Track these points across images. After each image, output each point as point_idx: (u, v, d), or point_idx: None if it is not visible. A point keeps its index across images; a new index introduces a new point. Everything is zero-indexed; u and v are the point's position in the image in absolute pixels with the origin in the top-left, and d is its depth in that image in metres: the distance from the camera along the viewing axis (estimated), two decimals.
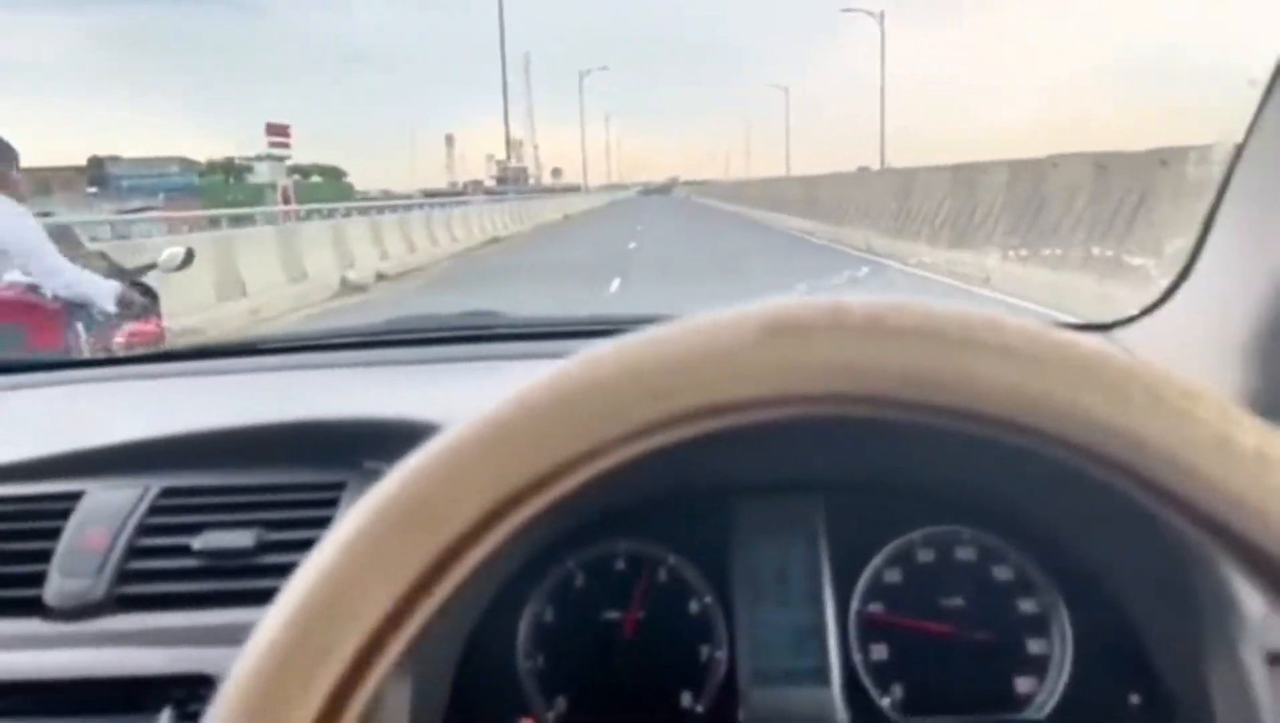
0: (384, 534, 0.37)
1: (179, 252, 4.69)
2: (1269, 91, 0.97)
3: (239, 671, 0.36)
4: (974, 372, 0.35)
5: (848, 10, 57.84)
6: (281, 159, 39.38)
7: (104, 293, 3.61)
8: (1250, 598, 0.75)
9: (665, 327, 0.38)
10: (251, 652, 0.36)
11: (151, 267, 4.54)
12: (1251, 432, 0.35)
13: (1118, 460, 0.36)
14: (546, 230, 30.86)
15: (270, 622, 0.37)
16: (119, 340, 3.64)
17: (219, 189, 44.55)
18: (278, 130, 39.39)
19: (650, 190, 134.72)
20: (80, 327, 3.57)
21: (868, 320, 0.36)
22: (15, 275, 3.59)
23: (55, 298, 3.55)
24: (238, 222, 18.36)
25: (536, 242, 25.07)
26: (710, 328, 0.37)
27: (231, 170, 56.18)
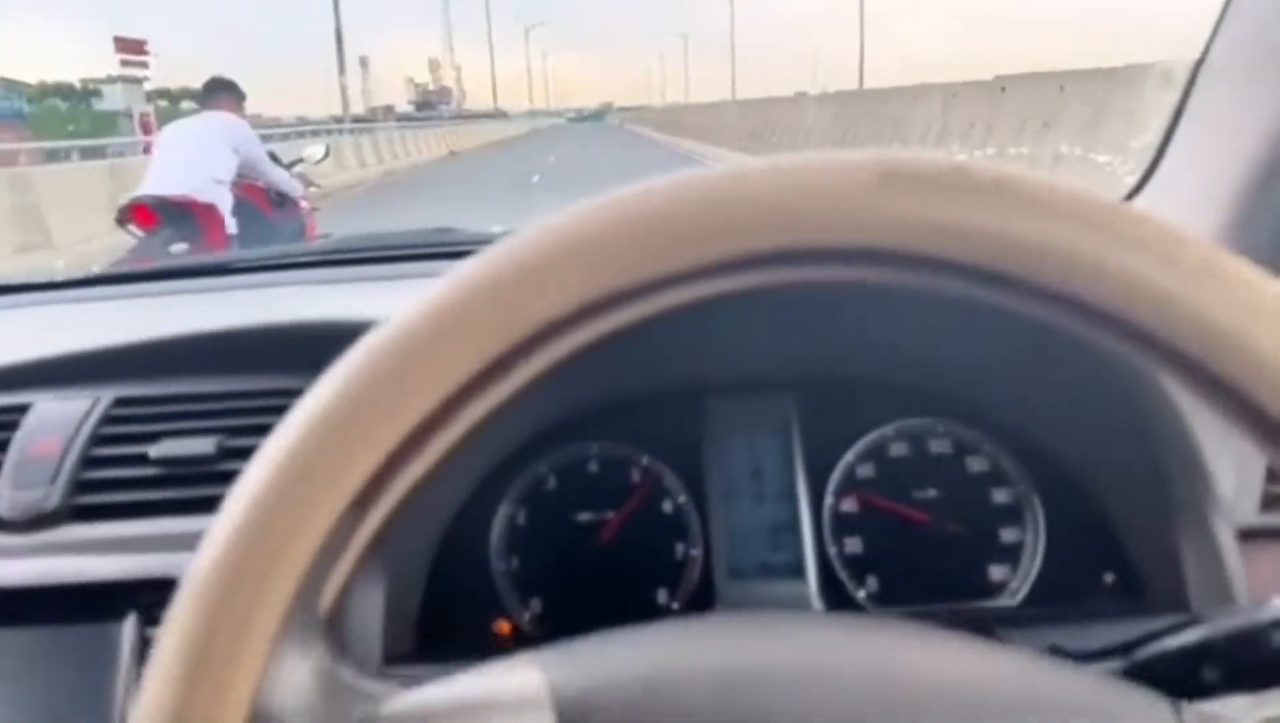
0: (359, 398, 0.35)
1: (319, 150, 5.74)
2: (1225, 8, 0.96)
3: (200, 563, 0.34)
4: (1086, 250, 0.33)
5: None
6: (138, 81, 32.29)
7: (296, 186, 5.04)
8: (1222, 474, 0.75)
9: (764, 162, 0.35)
10: (211, 545, 0.34)
11: (298, 161, 5.44)
12: (1233, 266, 0.34)
13: (1171, 337, 0.34)
14: (421, 169, 24.83)
15: (229, 511, 0.35)
16: (305, 204, 5.13)
17: (55, 118, 37.63)
18: (131, 46, 30.91)
19: (582, 118, 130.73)
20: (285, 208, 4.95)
21: (994, 185, 0.34)
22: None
23: (269, 187, 4.89)
24: (87, 156, 15.66)
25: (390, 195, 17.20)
26: (820, 167, 0.34)
27: (74, 95, 47.83)
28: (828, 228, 0.33)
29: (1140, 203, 1.14)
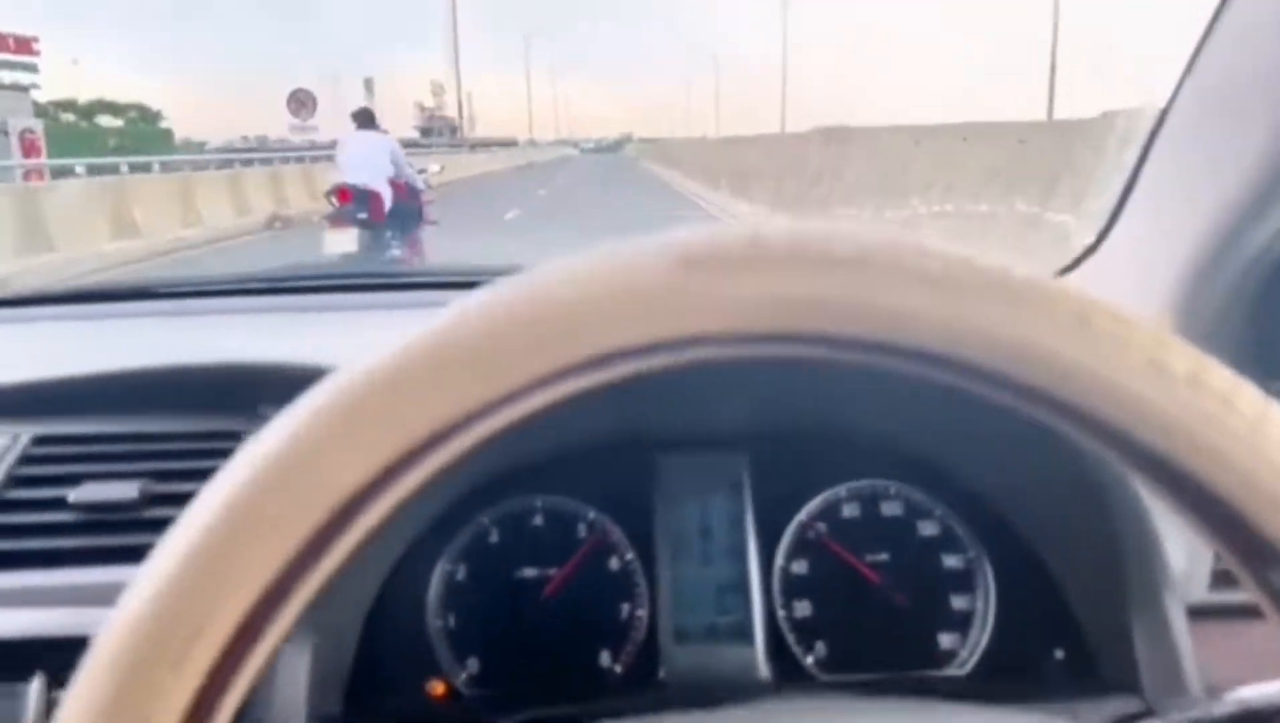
0: (266, 493, 0.33)
1: (436, 166, 8.95)
2: (1195, 54, 0.97)
3: (106, 639, 0.32)
4: (903, 301, 0.32)
5: None
6: (24, 88, 24.41)
7: (421, 184, 7.59)
8: (1173, 551, 0.74)
9: (570, 261, 0.33)
10: (120, 619, 0.32)
11: (424, 171, 7.96)
12: (1184, 356, 0.32)
13: (1049, 390, 0.33)
14: None
15: (141, 585, 0.33)
16: (426, 196, 7.63)
17: None
18: (13, 44, 22.54)
19: (599, 149, 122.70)
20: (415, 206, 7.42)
21: (789, 249, 0.32)
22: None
23: (408, 184, 7.35)
24: None
25: None
26: (618, 262, 0.33)
27: None
28: (636, 325, 0.32)
29: (1093, 263, 1.15)
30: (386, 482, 0.33)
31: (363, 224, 6.97)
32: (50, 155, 16.96)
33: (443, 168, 9.64)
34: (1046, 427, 0.35)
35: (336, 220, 7.06)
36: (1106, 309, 0.33)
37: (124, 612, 0.32)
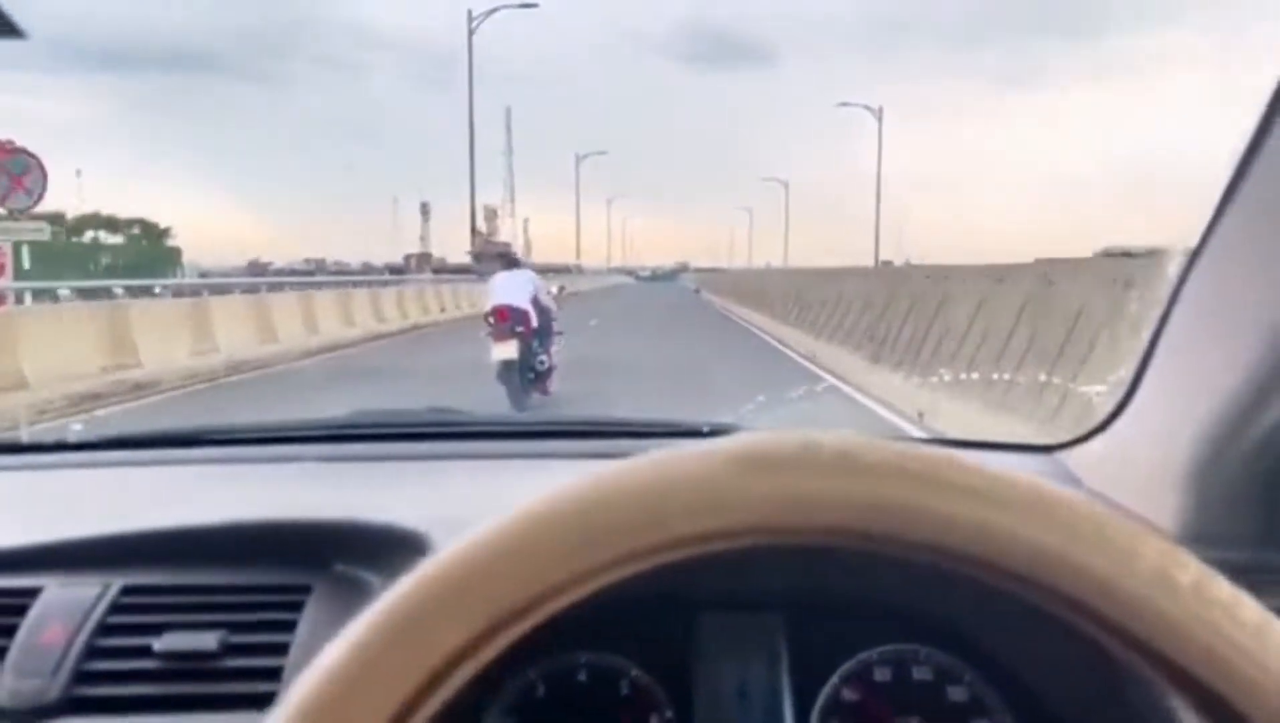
0: (380, 650, 0.39)
1: (557, 285, 11.89)
2: (1207, 232, 1.03)
3: None
4: (938, 508, 0.38)
5: (844, 105, 57.69)
6: None
7: (553, 304, 9.94)
8: (1187, 718, 0.77)
9: (642, 459, 0.40)
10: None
11: (558, 290, 11.24)
12: (1190, 569, 0.38)
13: (1068, 594, 0.39)
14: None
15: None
16: (554, 310, 9.94)
17: None
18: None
19: (655, 277, 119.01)
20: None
21: (837, 457, 0.39)
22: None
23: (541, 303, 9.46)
24: None
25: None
26: (685, 461, 0.39)
27: None
28: (697, 517, 0.39)
29: (1112, 432, 1.19)
30: (479, 645, 0.39)
31: (519, 336, 8.90)
32: (31, 274, 15.36)
33: (562, 289, 12.70)
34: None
35: (499, 334, 8.91)
36: (1121, 523, 0.39)
37: None
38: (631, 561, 0.40)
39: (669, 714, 0.92)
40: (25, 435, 1.51)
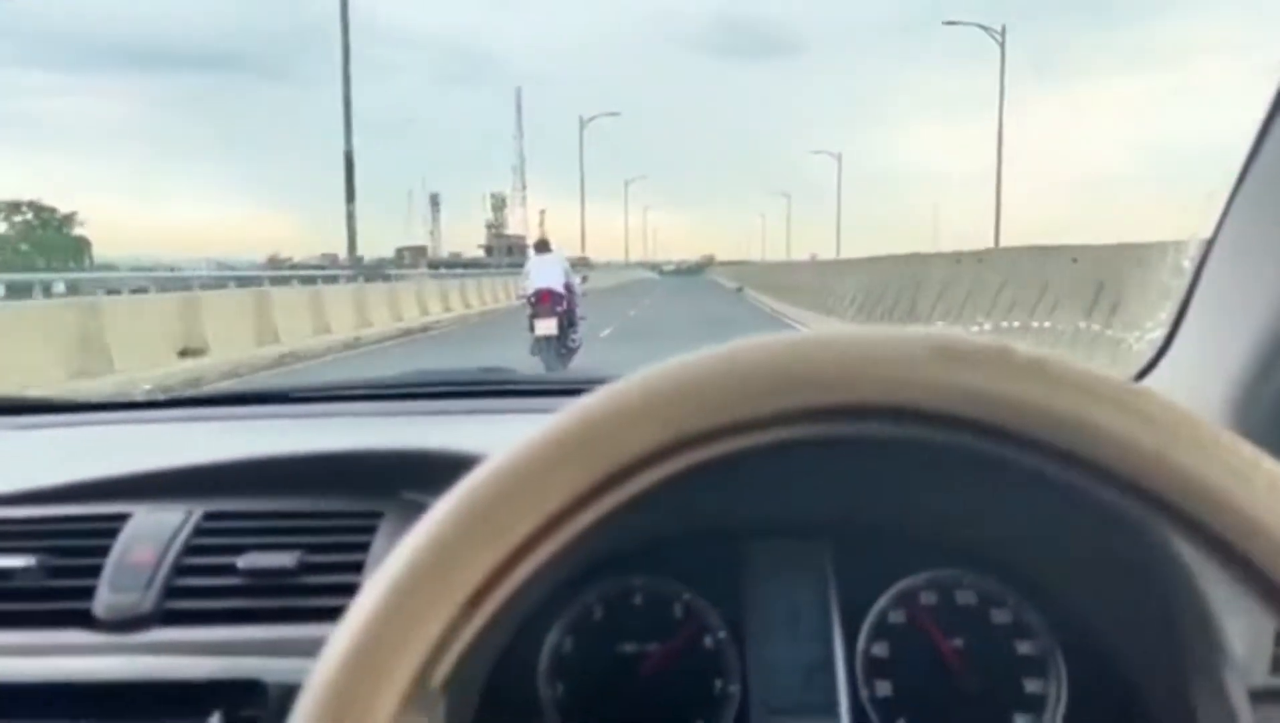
0: (488, 506, 0.41)
1: (582, 278, 12.58)
2: (1242, 173, 1.05)
3: (322, 667, 0.40)
4: (1117, 430, 0.40)
5: (816, 151, 55.55)
6: None
7: (578, 286, 11.23)
8: (1235, 637, 0.80)
9: (845, 329, 0.42)
10: (335, 648, 0.40)
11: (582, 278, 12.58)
12: (1268, 467, 0.41)
13: (1214, 530, 0.41)
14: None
15: (350, 622, 0.40)
16: (579, 294, 11.18)
17: None
18: None
19: (679, 271, 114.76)
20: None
21: (1030, 363, 0.41)
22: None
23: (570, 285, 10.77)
24: None
25: None
26: (885, 339, 0.41)
27: None
28: (884, 390, 0.41)
29: (1151, 380, 1.22)
30: (650, 464, 0.40)
31: (558, 315, 10.35)
32: None
33: (585, 279, 13.88)
34: (1112, 523, 0.43)
35: (541, 313, 10.33)
36: (1238, 443, 0.41)
37: (344, 632, 0.40)
38: (827, 419, 0.41)
39: (721, 636, 0.96)
40: (102, 396, 1.57)
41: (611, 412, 0.41)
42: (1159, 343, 1.27)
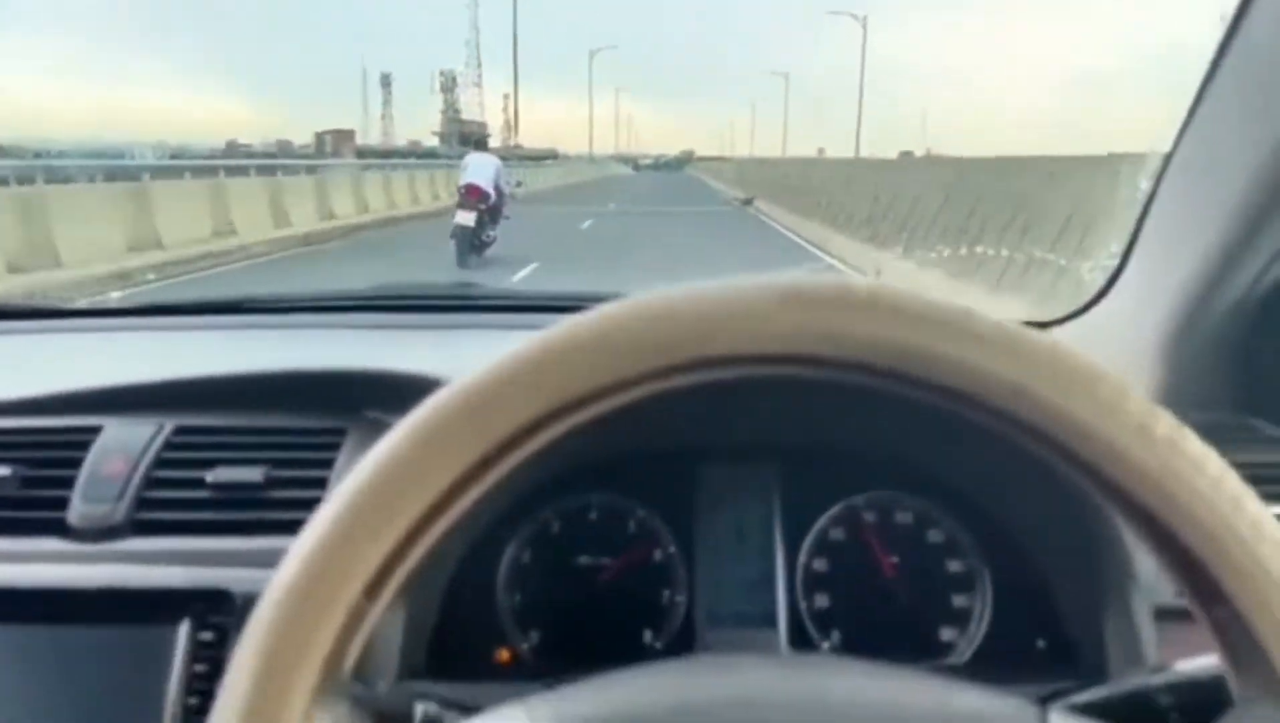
0: (443, 428, 0.44)
1: (517, 178, 14.96)
2: (1190, 113, 1.07)
3: (296, 550, 0.43)
4: (950, 353, 0.44)
5: (834, 12, 54.25)
6: None
7: (508, 187, 12.46)
8: (1143, 560, 0.86)
9: (705, 285, 0.45)
10: (289, 563, 0.43)
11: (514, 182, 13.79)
12: (1165, 423, 0.44)
13: (1059, 438, 0.44)
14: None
15: (310, 534, 0.43)
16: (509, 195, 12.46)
17: None
18: None
19: (657, 166, 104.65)
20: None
21: (868, 299, 0.44)
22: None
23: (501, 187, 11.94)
24: None
25: None
26: (738, 289, 0.45)
27: None
28: (737, 340, 0.44)
29: (1097, 311, 1.25)
30: (542, 427, 0.44)
31: (479, 210, 11.43)
32: None
33: (520, 183, 15.82)
34: (1042, 461, 0.46)
35: (465, 205, 11.44)
36: (1112, 379, 0.44)
37: (312, 530, 0.43)
38: (673, 372, 0.44)
39: (671, 550, 1.01)
40: (75, 303, 1.60)
41: (497, 379, 0.44)
42: (1110, 271, 1.31)
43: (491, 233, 12.00)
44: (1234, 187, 1.00)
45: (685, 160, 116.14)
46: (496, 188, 11.82)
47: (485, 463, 0.44)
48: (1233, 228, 1.01)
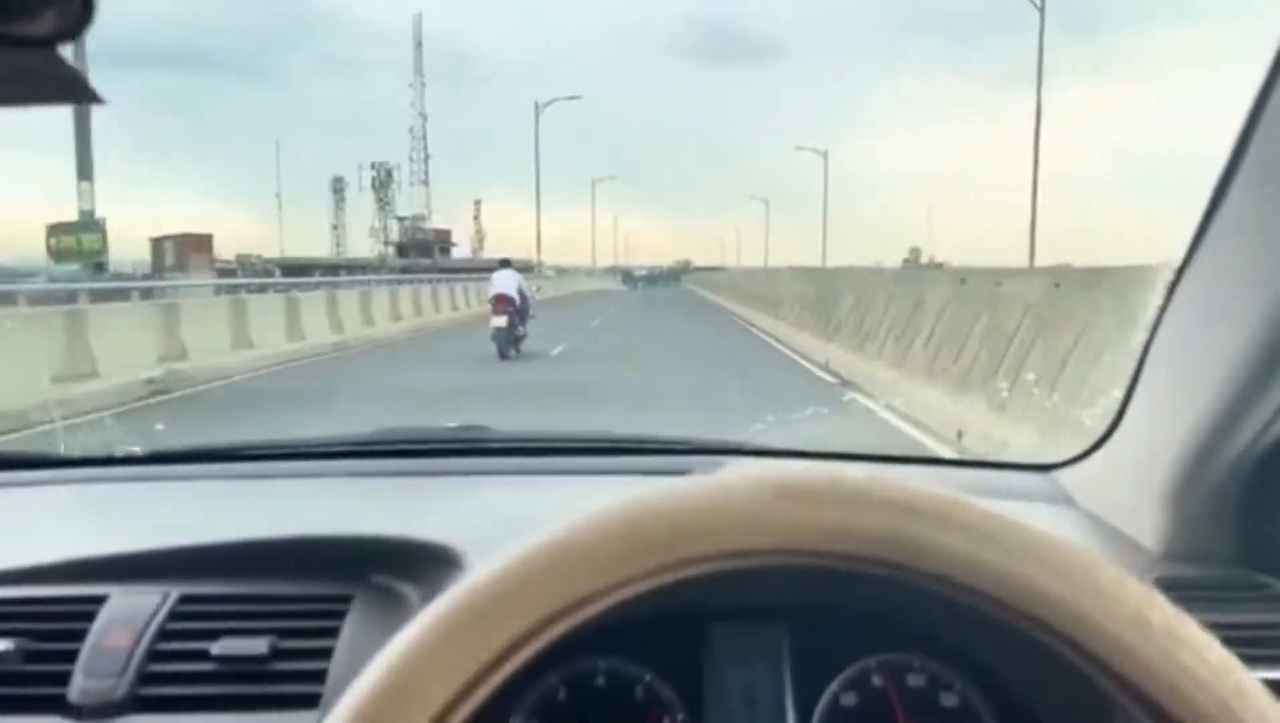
0: (454, 633, 0.45)
1: (537, 287, 20.59)
2: (1189, 252, 1.08)
3: None
4: (941, 544, 0.45)
5: (799, 148, 55.90)
6: None
7: (532, 296, 16.51)
8: None
9: (689, 481, 0.47)
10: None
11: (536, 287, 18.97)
12: (1163, 612, 0.44)
13: (1057, 629, 0.45)
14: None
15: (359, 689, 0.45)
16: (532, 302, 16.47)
17: None
18: None
19: (652, 279, 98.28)
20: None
21: (857, 492, 0.46)
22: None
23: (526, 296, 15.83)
24: None
25: None
26: (730, 487, 0.46)
27: None
28: (738, 536, 0.45)
29: (1096, 459, 1.26)
30: (532, 637, 0.45)
31: (509, 313, 14.81)
32: None
33: (539, 288, 17.97)
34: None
35: (498, 310, 14.85)
36: (1109, 571, 0.45)
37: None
38: (677, 568, 0.46)
39: (681, 718, 1.00)
40: (71, 450, 1.60)
41: (490, 596, 0.46)
42: (1111, 414, 1.31)
43: (523, 329, 15.61)
44: (1241, 325, 0.99)
45: (681, 271, 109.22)
46: (520, 293, 15.39)
47: (484, 673, 0.45)
48: (1238, 371, 1.01)
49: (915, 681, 1.00)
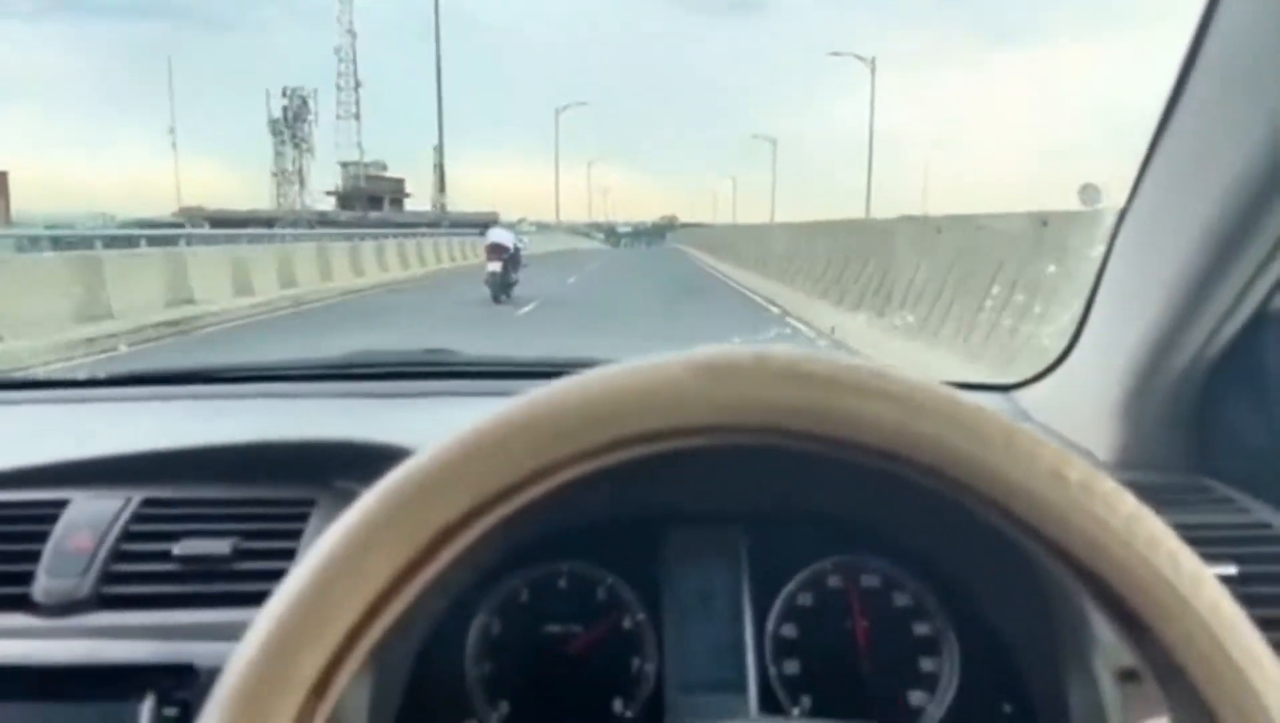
0: (379, 524, 0.45)
1: (528, 240, 22.37)
2: (1140, 173, 1.10)
3: (238, 658, 0.43)
4: (862, 411, 0.46)
5: (836, 54, 53.81)
6: None
7: (523, 249, 18.60)
8: (1102, 623, 0.87)
9: (614, 366, 0.48)
10: (251, 640, 0.43)
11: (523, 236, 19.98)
12: (1078, 468, 0.46)
13: (980, 490, 0.46)
14: None
15: (266, 618, 0.43)
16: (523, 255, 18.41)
17: None
18: None
19: (635, 236, 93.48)
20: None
21: (785, 366, 0.47)
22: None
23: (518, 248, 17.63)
24: None
25: None
26: (652, 367, 0.47)
27: None
28: (649, 418, 0.46)
29: (1063, 371, 1.28)
30: (462, 526, 0.46)
31: (503, 260, 16.44)
32: None
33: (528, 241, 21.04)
34: (982, 515, 0.48)
35: (492, 256, 16.57)
36: (1026, 432, 0.46)
37: (253, 638, 0.43)
38: (599, 454, 0.46)
39: (640, 617, 1.02)
40: (40, 373, 1.59)
41: (416, 481, 0.45)
42: (1070, 334, 1.34)
43: (515, 276, 17.09)
44: (1184, 246, 1.02)
45: (665, 228, 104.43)
46: (514, 246, 17.17)
47: (416, 563, 0.45)
48: (1184, 288, 1.04)
49: (869, 581, 1.03)
